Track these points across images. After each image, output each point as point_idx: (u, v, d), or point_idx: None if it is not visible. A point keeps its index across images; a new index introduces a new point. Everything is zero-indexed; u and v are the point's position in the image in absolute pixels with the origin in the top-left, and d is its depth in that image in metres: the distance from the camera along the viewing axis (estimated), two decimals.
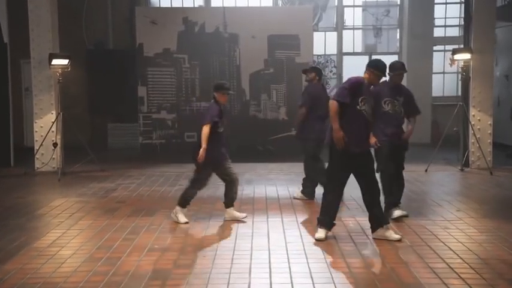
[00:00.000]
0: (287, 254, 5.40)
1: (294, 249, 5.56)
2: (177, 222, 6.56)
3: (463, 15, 14.68)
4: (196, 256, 5.37)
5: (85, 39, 13.86)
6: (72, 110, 13.48)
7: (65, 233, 6.23)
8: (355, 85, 5.73)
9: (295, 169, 9.67)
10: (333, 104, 5.69)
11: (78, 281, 4.69)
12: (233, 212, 6.74)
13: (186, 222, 6.53)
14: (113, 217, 6.93)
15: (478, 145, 10.17)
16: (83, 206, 7.57)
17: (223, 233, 6.24)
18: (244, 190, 8.60)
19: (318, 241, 5.78)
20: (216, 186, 8.80)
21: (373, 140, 5.99)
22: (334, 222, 5.94)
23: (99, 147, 12.95)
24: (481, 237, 5.87)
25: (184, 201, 6.67)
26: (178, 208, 6.66)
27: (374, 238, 5.82)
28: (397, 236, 5.75)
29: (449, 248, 5.54)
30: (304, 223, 6.59)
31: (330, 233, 5.91)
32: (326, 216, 5.90)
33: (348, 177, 5.86)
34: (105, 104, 13.79)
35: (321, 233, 5.86)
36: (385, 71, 5.91)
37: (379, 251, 5.49)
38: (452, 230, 6.18)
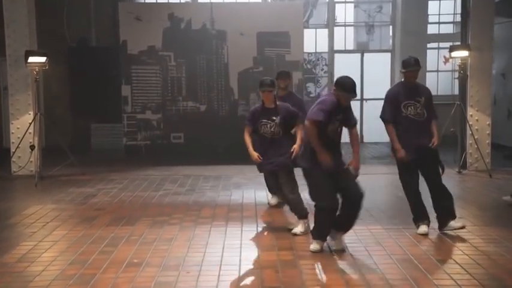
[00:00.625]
0: (278, 268, 4.93)
1: (285, 262, 5.10)
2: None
3: (457, 12, 14.40)
4: (179, 272, 4.88)
5: (67, 36, 13.30)
6: (53, 110, 13.07)
7: (37, 245, 5.72)
8: (332, 106, 5.31)
9: None
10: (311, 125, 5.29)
11: None
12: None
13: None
14: (90, 227, 6.43)
15: (476, 146, 9.76)
16: (59, 214, 7.05)
17: (210, 244, 5.75)
18: (233, 195, 8.14)
19: (314, 253, 5.33)
20: (202, 192, 8.36)
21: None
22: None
23: (81, 148, 12.46)
24: (488, 249, 5.43)
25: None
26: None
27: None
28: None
29: (455, 261, 5.10)
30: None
31: (325, 244, 5.46)
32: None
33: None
34: (88, 103, 13.26)
35: (316, 244, 5.41)
36: (351, 90, 5.32)
37: (379, 267, 5.03)
38: (456, 240, 5.75)
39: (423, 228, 5.89)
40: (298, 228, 5.98)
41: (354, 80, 5.40)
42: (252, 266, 5.10)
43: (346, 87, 5.30)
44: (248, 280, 4.75)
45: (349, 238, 5.73)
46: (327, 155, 5.23)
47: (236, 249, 5.56)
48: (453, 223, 5.91)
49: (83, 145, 12.95)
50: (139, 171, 10.28)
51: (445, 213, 5.94)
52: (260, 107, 6.27)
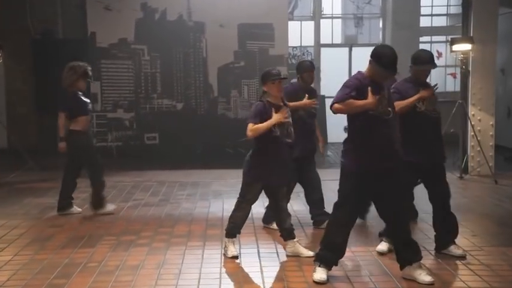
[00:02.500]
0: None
1: None
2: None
3: (451, 4, 13.64)
4: None
5: (30, 28, 12.19)
6: (16, 109, 12.00)
7: None
8: (356, 81, 4.35)
9: None
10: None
11: None
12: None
13: None
14: (41, 249, 5.43)
15: (478, 149, 8.92)
16: (7, 232, 6.02)
17: (183, 273, 4.77)
18: (211, 207, 7.17)
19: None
20: (177, 202, 7.39)
21: None
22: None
23: (47, 151, 11.37)
24: None
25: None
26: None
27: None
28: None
29: None
30: (287, 257, 5.18)
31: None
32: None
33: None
34: (54, 101, 12.16)
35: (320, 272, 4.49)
36: (391, 66, 4.39)
37: None
38: (474, 266, 4.85)
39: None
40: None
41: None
42: None
43: (382, 61, 4.30)
44: None
45: (350, 262, 4.80)
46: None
47: (215, 280, 4.61)
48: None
49: (49, 147, 11.87)
50: (108, 176, 9.06)
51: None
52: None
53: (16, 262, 5.07)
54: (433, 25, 13.68)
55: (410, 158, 4.72)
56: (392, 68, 4.31)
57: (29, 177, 8.79)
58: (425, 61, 5.11)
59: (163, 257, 5.18)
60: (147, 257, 5.17)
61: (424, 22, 13.59)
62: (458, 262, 4.95)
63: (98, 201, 6.79)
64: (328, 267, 4.51)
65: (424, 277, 4.38)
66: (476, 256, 5.09)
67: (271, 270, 4.82)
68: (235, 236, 5.22)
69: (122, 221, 6.49)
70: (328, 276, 4.46)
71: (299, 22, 13.57)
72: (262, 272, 4.78)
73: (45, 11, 12.36)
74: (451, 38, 9.13)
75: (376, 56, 4.35)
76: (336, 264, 4.57)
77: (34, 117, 12.31)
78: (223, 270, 4.85)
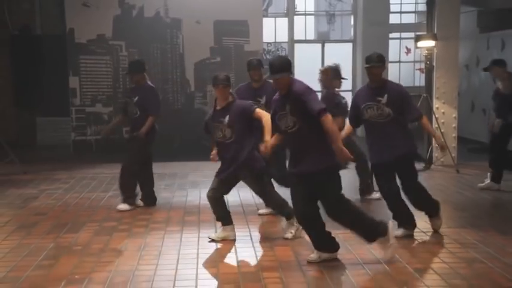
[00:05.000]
0: (240, 283, 4.38)
1: (246, 276, 4.55)
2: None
3: (419, 1, 14.12)
4: None
5: (8, 23, 12.35)
6: None
7: None
8: None
9: None
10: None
11: None
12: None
13: None
14: (27, 235, 5.74)
15: (442, 140, 9.39)
16: None
17: (163, 254, 5.14)
18: (189, 196, 7.53)
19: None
20: (156, 192, 7.70)
21: None
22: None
23: (26, 145, 11.63)
24: (467, 255, 4.98)
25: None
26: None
27: None
28: None
29: (433, 271, 4.65)
30: (260, 241, 5.57)
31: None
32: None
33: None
34: (32, 96, 12.37)
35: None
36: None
37: (353, 280, 4.53)
38: (432, 246, 5.31)
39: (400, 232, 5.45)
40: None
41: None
42: (209, 281, 4.53)
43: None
44: None
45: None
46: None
47: (192, 259, 4.97)
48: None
49: (28, 141, 12.08)
50: (87, 169, 9.56)
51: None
52: None
53: (4, 246, 5.38)
54: (402, 22, 14.16)
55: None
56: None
57: (10, 170, 9.00)
58: (370, 59, 5.40)
59: (144, 240, 5.53)
60: (129, 240, 5.52)
61: (394, 19, 14.04)
62: (416, 241, 5.40)
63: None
64: None
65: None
66: (433, 237, 5.54)
67: (245, 251, 5.20)
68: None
69: (103, 209, 6.81)
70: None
71: (273, 19, 13.91)
72: (236, 253, 5.17)
73: (23, 7, 12.53)
74: (416, 35, 9.62)
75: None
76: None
77: (12, 111, 12.49)
78: (201, 252, 5.21)
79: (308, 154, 4.64)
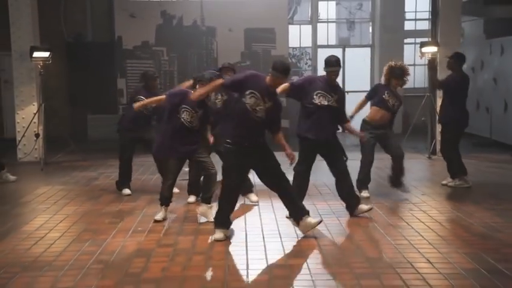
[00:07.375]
0: (262, 233, 5.81)
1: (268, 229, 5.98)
2: None
3: (432, 10, 15.31)
4: (178, 237, 5.74)
5: (64, 32, 14.02)
6: (51, 102, 13.70)
7: (52, 217, 6.53)
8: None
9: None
10: None
11: (68, 259, 5.03)
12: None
13: None
14: (96, 203, 7.26)
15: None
16: (67, 193, 7.87)
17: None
18: None
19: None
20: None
21: None
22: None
23: (79, 139, 13.17)
24: (441, 217, 6.35)
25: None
26: None
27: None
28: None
29: (411, 227, 6.00)
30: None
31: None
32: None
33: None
34: (84, 95, 14.00)
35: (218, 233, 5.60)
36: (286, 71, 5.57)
37: (347, 231, 5.93)
38: (415, 212, 6.65)
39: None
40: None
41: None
42: (237, 231, 5.96)
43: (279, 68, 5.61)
44: (234, 241, 5.59)
45: (325, 211, 6.61)
46: None
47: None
48: (362, 206, 6.31)
49: (80, 136, 13.68)
50: (134, 157, 11.03)
51: (353, 199, 6.38)
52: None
53: (81, 210, 6.91)
54: (417, 28, 15.40)
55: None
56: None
57: (72, 158, 10.59)
58: (330, 64, 6.24)
59: (188, 206, 6.98)
60: (176, 205, 6.96)
61: (409, 26, 15.32)
62: (404, 210, 6.75)
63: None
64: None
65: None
66: (419, 206, 6.89)
67: (268, 215, 6.62)
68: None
69: (151, 187, 8.27)
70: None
71: (298, 26, 15.30)
72: (260, 215, 6.59)
73: (76, 17, 14.19)
74: (421, 42, 10.91)
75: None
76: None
77: (67, 109, 14.12)
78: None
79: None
